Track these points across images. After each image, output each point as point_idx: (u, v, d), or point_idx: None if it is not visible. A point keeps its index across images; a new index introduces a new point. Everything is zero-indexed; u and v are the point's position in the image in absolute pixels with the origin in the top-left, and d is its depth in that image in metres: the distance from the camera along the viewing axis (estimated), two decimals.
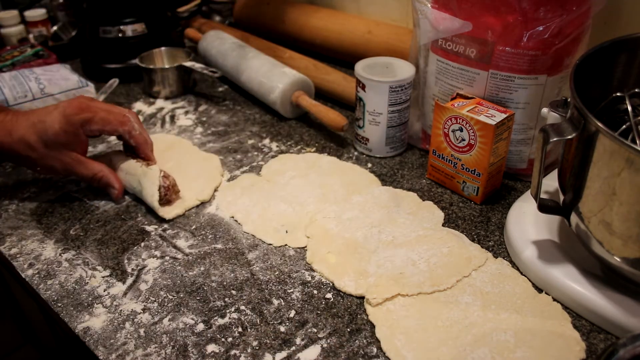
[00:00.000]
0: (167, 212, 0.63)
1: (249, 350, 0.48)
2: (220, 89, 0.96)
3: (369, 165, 0.74)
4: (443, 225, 0.62)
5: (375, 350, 0.47)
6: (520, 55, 0.60)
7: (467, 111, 0.61)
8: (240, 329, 0.50)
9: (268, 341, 0.48)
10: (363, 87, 0.71)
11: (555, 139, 0.47)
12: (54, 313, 0.52)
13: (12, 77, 0.84)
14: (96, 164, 0.65)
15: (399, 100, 0.71)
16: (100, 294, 0.54)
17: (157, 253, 0.59)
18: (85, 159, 0.65)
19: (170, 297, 0.53)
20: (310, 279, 0.55)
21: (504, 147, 0.63)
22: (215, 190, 0.69)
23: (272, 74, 0.84)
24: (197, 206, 0.66)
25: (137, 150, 0.68)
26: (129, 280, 0.55)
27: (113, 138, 0.80)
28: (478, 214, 0.64)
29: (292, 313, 0.51)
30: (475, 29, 0.62)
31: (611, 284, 0.49)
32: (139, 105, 0.90)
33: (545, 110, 0.55)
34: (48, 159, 0.63)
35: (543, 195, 0.57)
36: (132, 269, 0.57)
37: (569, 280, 0.51)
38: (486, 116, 0.60)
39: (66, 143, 0.63)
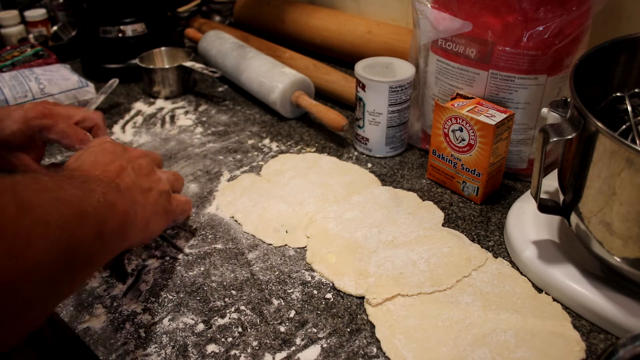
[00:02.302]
0: None
1: (249, 350, 0.48)
2: (220, 89, 0.96)
3: (369, 165, 0.74)
4: (443, 225, 0.62)
5: (375, 350, 0.47)
6: (520, 55, 0.60)
7: (467, 111, 0.61)
8: (240, 329, 0.50)
9: (268, 341, 0.48)
10: (363, 87, 0.71)
11: (555, 139, 0.47)
12: (54, 313, 0.52)
13: (12, 77, 0.84)
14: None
15: (399, 100, 0.71)
16: (100, 294, 0.54)
17: (157, 253, 0.59)
18: (36, 165, 0.63)
19: (170, 297, 0.53)
20: (310, 279, 0.55)
21: (504, 147, 0.63)
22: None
23: (272, 74, 0.84)
24: (197, 206, 0.66)
25: None
26: (129, 281, 0.55)
27: None
28: (478, 214, 0.64)
29: (292, 313, 0.51)
30: (475, 29, 0.62)
31: (611, 284, 0.49)
32: (139, 105, 0.90)
33: (545, 110, 0.55)
34: None
35: (543, 195, 0.57)
36: (132, 269, 0.57)
37: (569, 280, 0.51)
38: (486, 116, 0.60)
39: (20, 145, 0.61)
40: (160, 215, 0.53)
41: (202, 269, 0.57)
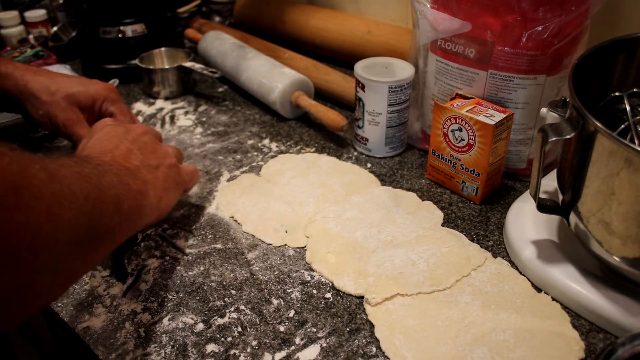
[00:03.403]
0: None
1: (248, 349, 0.48)
2: (220, 89, 0.96)
3: (369, 165, 0.74)
4: (442, 225, 0.62)
5: (374, 349, 0.47)
6: (519, 55, 0.60)
7: (467, 111, 0.61)
8: (239, 329, 0.50)
9: (267, 341, 0.48)
10: (362, 87, 0.71)
11: (554, 139, 0.47)
12: (54, 313, 0.52)
13: None
14: None
15: (398, 101, 0.71)
16: (100, 294, 0.54)
17: (157, 253, 0.59)
18: (86, 123, 0.67)
19: (170, 297, 0.53)
20: (309, 278, 0.55)
21: (503, 147, 0.63)
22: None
23: (271, 74, 0.84)
24: (197, 206, 0.66)
25: None
26: (129, 281, 0.55)
27: None
28: (477, 214, 0.64)
29: (292, 313, 0.51)
30: (474, 29, 0.62)
31: (610, 283, 0.50)
32: (139, 106, 0.90)
33: (544, 110, 0.55)
34: (56, 107, 0.65)
35: (542, 195, 0.57)
36: (132, 269, 0.57)
37: (568, 279, 0.51)
38: (485, 116, 0.60)
39: (81, 104, 0.66)
40: (171, 189, 0.55)
41: (201, 268, 0.57)
